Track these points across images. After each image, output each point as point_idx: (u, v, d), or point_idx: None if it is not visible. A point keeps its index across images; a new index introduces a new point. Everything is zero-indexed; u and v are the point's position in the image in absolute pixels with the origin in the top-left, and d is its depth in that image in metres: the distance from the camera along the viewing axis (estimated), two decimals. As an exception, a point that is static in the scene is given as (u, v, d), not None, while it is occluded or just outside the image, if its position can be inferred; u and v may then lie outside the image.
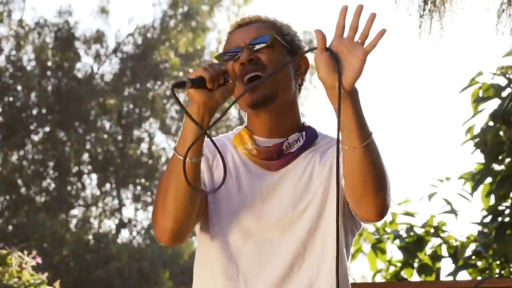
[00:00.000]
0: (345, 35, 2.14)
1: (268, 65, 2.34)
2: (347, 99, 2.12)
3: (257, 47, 2.35)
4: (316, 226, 2.31)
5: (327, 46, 2.13)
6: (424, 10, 4.40)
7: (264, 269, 2.30)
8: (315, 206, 2.31)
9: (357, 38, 2.13)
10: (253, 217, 2.33)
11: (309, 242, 2.30)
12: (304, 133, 2.39)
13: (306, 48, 2.37)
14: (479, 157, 5.73)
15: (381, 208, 2.22)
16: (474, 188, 5.66)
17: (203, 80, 2.17)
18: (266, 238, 2.32)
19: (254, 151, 2.36)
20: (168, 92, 20.15)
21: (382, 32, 2.12)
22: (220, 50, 2.43)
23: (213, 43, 20.50)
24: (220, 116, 2.26)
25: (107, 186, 19.92)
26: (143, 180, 19.74)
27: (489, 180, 5.65)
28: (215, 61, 2.39)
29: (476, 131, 5.68)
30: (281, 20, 2.46)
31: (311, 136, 2.39)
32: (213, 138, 2.28)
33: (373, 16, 2.13)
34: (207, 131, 2.20)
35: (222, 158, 2.22)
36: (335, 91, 2.10)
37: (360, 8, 2.12)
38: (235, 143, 2.40)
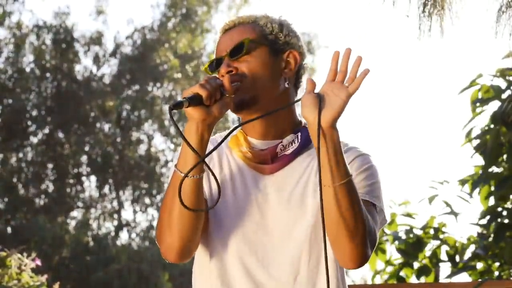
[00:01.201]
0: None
1: (248, 73, 2.33)
2: (324, 136, 2.17)
3: (236, 56, 2.35)
4: (312, 233, 2.29)
5: (316, 91, 2.21)
6: (423, 11, 4.40)
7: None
8: (310, 216, 2.29)
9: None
10: (250, 223, 2.31)
11: (306, 249, 2.28)
12: (299, 134, 2.37)
13: (298, 38, 2.43)
14: (479, 159, 5.73)
15: (356, 256, 2.20)
16: (473, 189, 5.66)
17: (200, 98, 2.17)
18: (263, 244, 2.30)
19: (248, 154, 2.34)
20: (167, 94, 20.16)
21: (365, 73, 2.18)
22: (214, 57, 2.44)
23: (212, 44, 20.51)
24: (215, 147, 2.22)
25: (106, 188, 19.92)
26: (142, 182, 19.74)
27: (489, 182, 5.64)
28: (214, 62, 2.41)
29: (476, 133, 5.68)
30: (266, 16, 2.45)
31: (307, 137, 2.35)
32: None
33: (359, 60, 2.19)
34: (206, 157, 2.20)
35: (216, 177, 2.22)
36: (314, 127, 2.17)
37: (348, 52, 2.20)
38: (231, 146, 2.39)
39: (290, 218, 2.30)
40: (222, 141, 2.23)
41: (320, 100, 2.18)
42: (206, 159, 2.23)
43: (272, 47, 2.39)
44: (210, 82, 2.20)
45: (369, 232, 2.22)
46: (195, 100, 2.17)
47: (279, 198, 2.32)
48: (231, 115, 19.54)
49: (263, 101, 2.33)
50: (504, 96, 5.55)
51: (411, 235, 6.06)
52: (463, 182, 5.86)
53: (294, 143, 2.35)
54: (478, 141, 5.61)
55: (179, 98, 2.18)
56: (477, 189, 5.67)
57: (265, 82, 2.34)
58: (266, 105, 2.33)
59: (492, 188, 5.62)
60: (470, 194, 5.77)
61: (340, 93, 2.18)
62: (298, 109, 2.43)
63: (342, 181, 2.17)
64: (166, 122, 20.12)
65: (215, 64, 2.39)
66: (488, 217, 5.60)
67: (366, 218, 2.21)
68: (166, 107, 20.05)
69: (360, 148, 2.40)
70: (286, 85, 2.38)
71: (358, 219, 2.18)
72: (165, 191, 2.28)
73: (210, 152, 2.20)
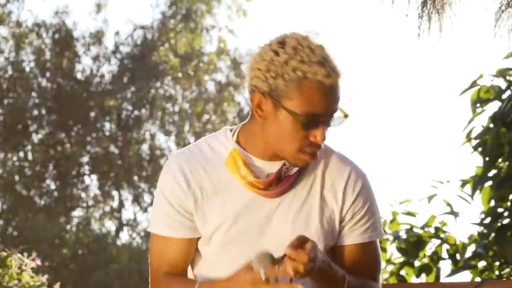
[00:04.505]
0: None
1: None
2: None
3: (332, 124, 2.17)
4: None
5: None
6: (422, 11, 4.40)
7: None
8: (316, 240, 2.22)
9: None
10: (250, 249, 2.20)
11: None
12: None
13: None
14: (479, 160, 5.73)
15: None
16: (473, 191, 5.65)
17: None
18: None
19: (250, 179, 2.21)
20: (167, 93, 20.15)
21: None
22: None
23: (212, 43, 20.50)
24: None
25: (107, 187, 19.92)
26: (143, 182, 19.74)
27: (489, 183, 5.64)
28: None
29: (476, 133, 5.68)
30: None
31: None
32: (193, 150, 2.24)
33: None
34: None
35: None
36: None
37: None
38: (228, 167, 2.23)
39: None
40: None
41: None
42: (198, 194, 2.22)
43: None
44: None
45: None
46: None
47: (282, 225, 2.24)
48: (229, 118, 19.58)
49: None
50: (504, 96, 5.55)
51: (412, 234, 6.06)
52: (464, 183, 5.86)
53: None
54: (477, 141, 5.61)
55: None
56: (478, 190, 5.67)
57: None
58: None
59: (493, 189, 5.62)
60: (472, 196, 5.76)
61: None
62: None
63: None
64: (167, 121, 20.12)
65: (312, 120, 2.13)
66: (489, 218, 5.60)
67: None
68: (167, 106, 20.12)
69: (354, 166, 2.32)
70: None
71: None
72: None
73: None
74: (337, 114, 2.14)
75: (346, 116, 2.16)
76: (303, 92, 2.09)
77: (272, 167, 2.23)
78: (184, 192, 2.23)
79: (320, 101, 2.10)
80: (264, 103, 2.14)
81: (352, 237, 2.31)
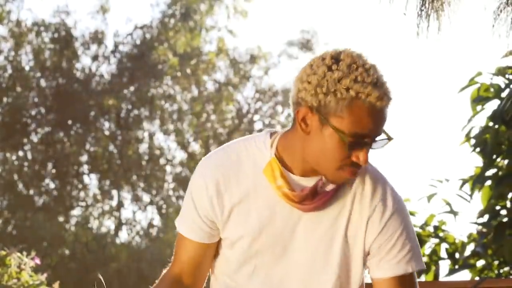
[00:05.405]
0: None
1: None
2: None
3: (375, 146, 2.12)
4: (339, 282, 2.22)
5: None
6: (421, 9, 4.40)
7: None
8: (335, 269, 2.21)
9: None
10: (271, 265, 2.21)
11: None
12: None
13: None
14: (478, 159, 5.73)
15: None
16: (473, 190, 5.65)
17: None
18: (284, 284, 2.22)
19: (285, 191, 2.15)
20: (166, 92, 20.15)
21: None
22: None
23: (211, 43, 20.50)
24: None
25: (106, 186, 19.92)
26: (142, 181, 19.74)
27: (489, 182, 5.64)
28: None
29: (475, 132, 5.68)
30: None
31: None
32: (230, 155, 2.20)
33: None
34: None
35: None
36: None
37: None
38: (266, 175, 2.18)
39: (314, 266, 2.20)
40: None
41: None
42: (226, 202, 2.20)
43: None
44: None
45: None
46: None
47: (307, 242, 2.19)
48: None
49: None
50: (503, 94, 5.55)
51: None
52: (463, 182, 5.86)
53: None
54: (476, 139, 5.62)
55: None
56: (477, 190, 5.67)
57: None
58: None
59: (492, 187, 5.62)
60: (471, 195, 5.77)
61: None
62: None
63: None
64: (166, 120, 20.12)
65: (357, 141, 2.08)
66: (487, 216, 5.60)
67: None
68: (166, 105, 20.12)
69: (385, 190, 2.23)
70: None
71: None
72: None
73: None
74: (381, 137, 2.11)
75: (390, 139, 2.12)
76: (353, 112, 2.03)
77: (307, 182, 2.18)
78: (211, 203, 2.20)
79: (368, 123, 2.04)
80: (309, 117, 2.08)
81: (382, 270, 2.22)
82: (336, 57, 2.07)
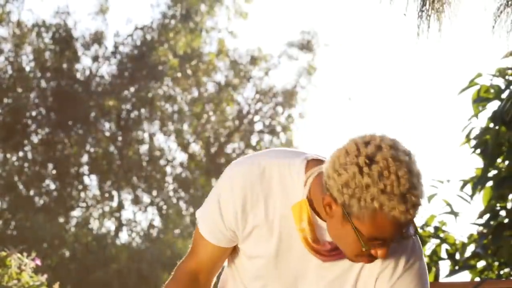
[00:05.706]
0: None
1: None
2: None
3: (397, 241, 2.11)
4: None
5: None
6: (422, 10, 4.40)
7: None
8: None
9: None
10: (284, 286, 2.22)
11: None
12: None
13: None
14: (479, 160, 5.73)
15: None
16: (474, 191, 5.65)
17: None
18: None
19: (308, 236, 2.13)
20: (167, 94, 20.15)
21: None
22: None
23: (212, 44, 20.50)
24: None
25: (107, 187, 19.92)
26: (142, 182, 19.74)
27: (490, 183, 5.64)
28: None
29: (475, 133, 5.68)
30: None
31: None
32: (264, 175, 2.15)
33: None
34: None
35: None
36: None
37: None
38: (293, 212, 2.14)
39: None
40: None
41: None
42: (250, 217, 2.18)
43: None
44: None
45: None
46: None
47: (317, 283, 2.20)
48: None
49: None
50: (503, 95, 5.55)
51: (411, 234, 6.06)
52: (464, 183, 5.86)
53: None
54: (476, 140, 5.61)
55: None
56: (478, 191, 5.67)
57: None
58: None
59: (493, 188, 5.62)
60: (471, 197, 5.76)
61: None
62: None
63: None
64: (167, 121, 20.12)
65: (377, 242, 2.07)
66: (487, 216, 5.60)
67: None
68: (166, 106, 20.11)
69: (403, 245, 2.20)
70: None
71: None
72: None
73: None
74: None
75: (415, 234, 2.11)
76: (375, 221, 1.99)
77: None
78: (235, 216, 2.18)
79: (390, 231, 2.01)
80: (334, 206, 2.05)
81: None
82: (371, 157, 1.99)
